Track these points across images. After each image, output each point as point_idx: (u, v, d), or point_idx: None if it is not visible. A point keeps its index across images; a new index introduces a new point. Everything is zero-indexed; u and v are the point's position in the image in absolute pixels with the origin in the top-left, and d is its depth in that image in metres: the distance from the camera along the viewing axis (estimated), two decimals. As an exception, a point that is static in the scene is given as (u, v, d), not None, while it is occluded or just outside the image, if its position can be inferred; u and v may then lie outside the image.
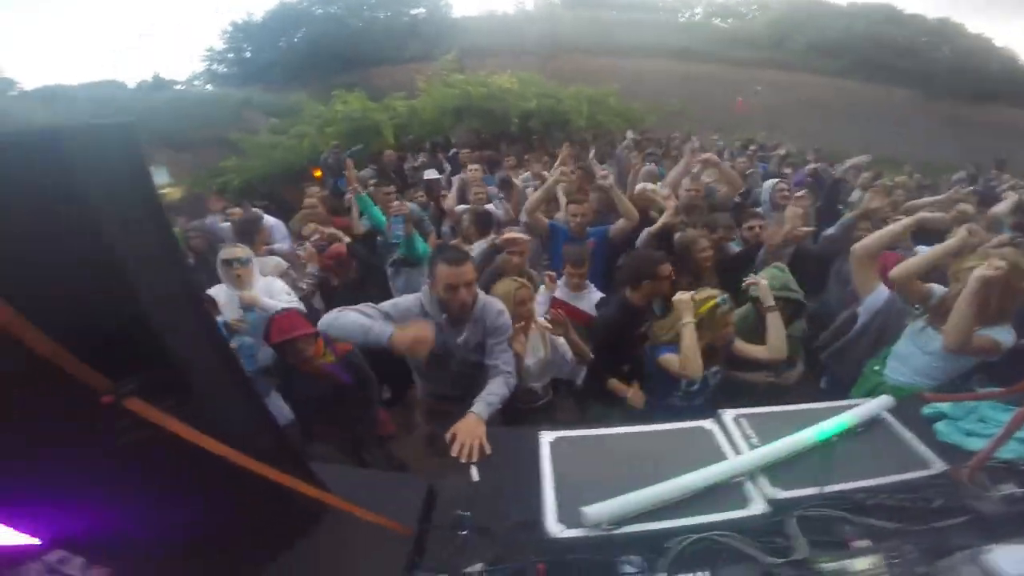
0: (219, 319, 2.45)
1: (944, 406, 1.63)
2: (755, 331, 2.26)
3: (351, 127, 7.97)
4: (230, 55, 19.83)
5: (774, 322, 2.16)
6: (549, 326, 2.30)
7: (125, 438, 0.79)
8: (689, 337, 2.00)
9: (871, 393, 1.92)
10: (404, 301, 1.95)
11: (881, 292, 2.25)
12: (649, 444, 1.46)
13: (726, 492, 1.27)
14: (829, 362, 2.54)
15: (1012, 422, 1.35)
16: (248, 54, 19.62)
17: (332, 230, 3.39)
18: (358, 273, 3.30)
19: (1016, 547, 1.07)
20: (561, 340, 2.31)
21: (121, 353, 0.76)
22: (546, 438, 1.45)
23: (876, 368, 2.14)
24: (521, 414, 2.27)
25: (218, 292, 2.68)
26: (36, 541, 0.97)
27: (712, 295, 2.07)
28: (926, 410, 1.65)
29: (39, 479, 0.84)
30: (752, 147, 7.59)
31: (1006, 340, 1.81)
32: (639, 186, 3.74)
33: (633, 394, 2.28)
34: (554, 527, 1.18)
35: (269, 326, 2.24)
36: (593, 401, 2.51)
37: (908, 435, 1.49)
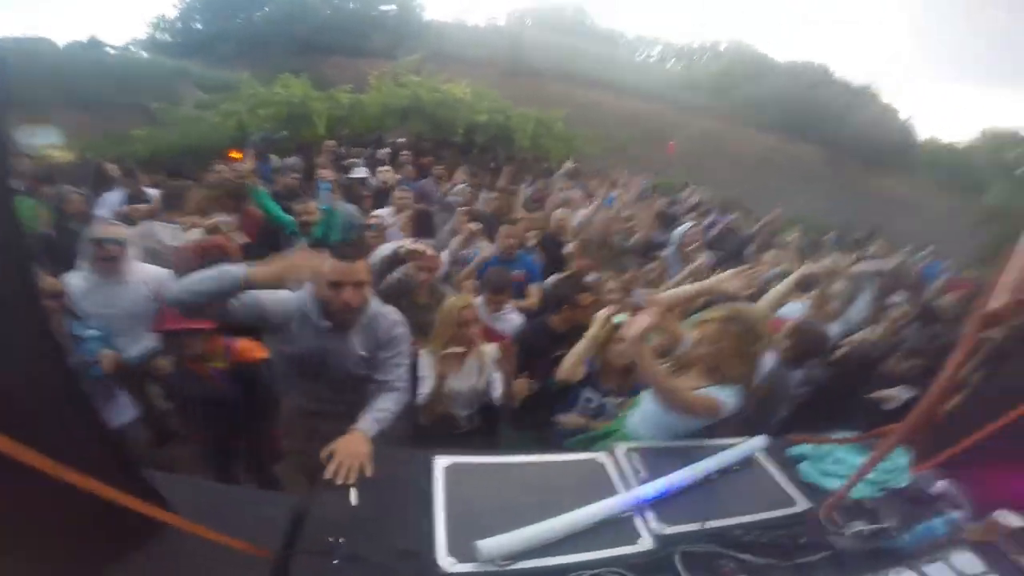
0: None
1: (806, 448, 1.78)
2: None
3: (287, 111, 7.56)
4: (178, 24, 18.78)
5: None
6: (497, 356, 2.25)
7: None
8: (579, 346, 2.09)
9: (607, 436, 1.90)
10: (283, 294, 1.67)
11: (766, 358, 2.28)
12: (544, 474, 1.46)
13: (615, 527, 1.29)
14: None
15: (864, 465, 1.49)
16: (199, 26, 18.65)
17: (214, 221, 3.03)
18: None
19: None
20: (497, 375, 2.23)
21: None
22: (440, 463, 1.39)
23: (620, 415, 2.03)
24: (434, 440, 2.17)
25: (75, 279, 2.36)
26: None
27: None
28: (791, 451, 1.78)
29: None
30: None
31: (727, 402, 1.65)
32: (556, 211, 3.85)
33: (519, 383, 2.30)
34: (444, 560, 1.12)
35: (161, 312, 2.01)
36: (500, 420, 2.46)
37: (778, 474, 1.60)
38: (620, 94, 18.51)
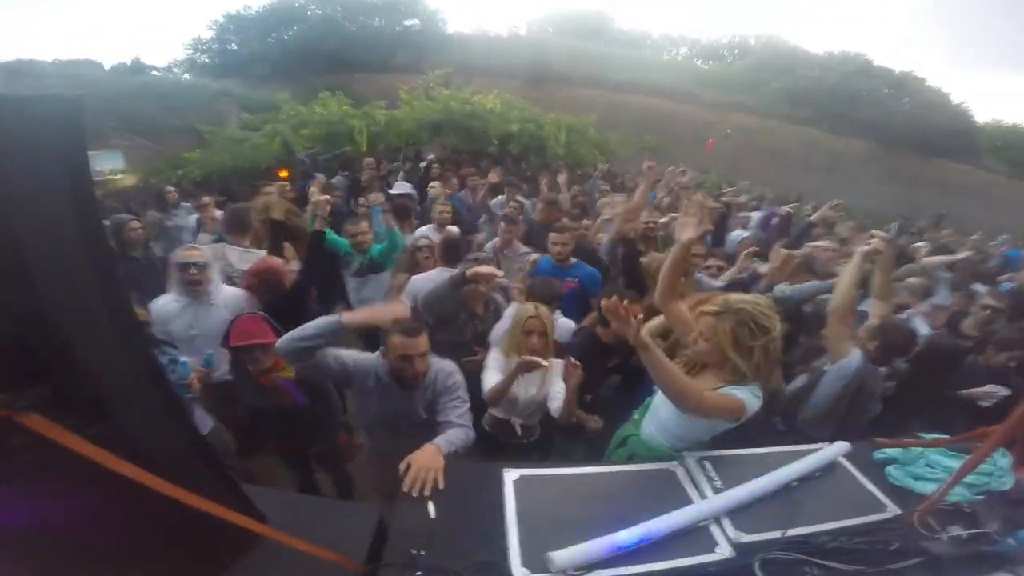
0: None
1: (894, 451, 1.69)
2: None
3: (326, 131, 7.82)
4: (215, 46, 19.62)
5: None
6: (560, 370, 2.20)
7: (19, 459, 0.68)
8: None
9: (623, 443, 1.84)
10: (363, 358, 1.98)
11: (856, 355, 2.19)
12: (614, 485, 1.44)
13: (691, 536, 1.26)
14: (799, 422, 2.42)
15: (962, 468, 1.40)
16: (234, 46, 19.43)
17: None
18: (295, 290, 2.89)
19: None
20: (559, 388, 2.18)
21: (21, 362, 0.66)
22: (510, 475, 1.39)
23: (636, 417, 1.93)
24: (492, 449, 2.24)
25: (164, 304, 2.48)
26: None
27: None
28: (877, 455, 1.69)
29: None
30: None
31: (749, 401, 1.54)
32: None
33: (593, 423, 2.26)
34: (518, 571, 1.12)
35: (230, 328, 2.10)
36: (557, 433, 2.43)
37: (863, 479, 1.53)
38: (650, 94, 18.18)
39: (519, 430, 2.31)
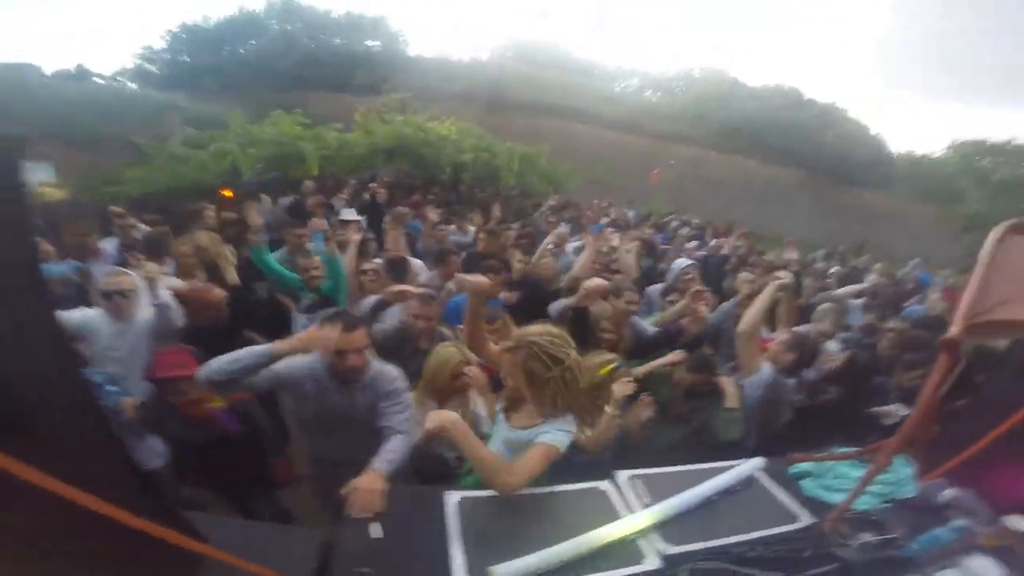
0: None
1: (807, 465, 1.84)
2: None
3: (276, 151, 7.69)
4: (166, 56, 19.08)
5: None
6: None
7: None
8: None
9: (471, 472, 1.80)
10: (295, 360, 1.92)
11: (767, 369, 2.48)
12: (550, 504, 1.51)
13: (622, 549, 1.34)
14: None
15: (864, 478, 1.55)
16: (186, 58, 18.96)
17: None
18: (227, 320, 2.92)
19: None
20: (483, 411, 2.25)
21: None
22: (452, 498, 1.45)
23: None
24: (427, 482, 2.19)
25: (90, 318, 2.44)
26: None
27: (610, 359, 2.18)
28: (792, 469, 1.84)
29: None
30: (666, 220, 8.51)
31: (559, 440, 1.54)
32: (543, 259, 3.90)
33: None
34: None
35: (153, 360, 2.08)
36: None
37: (780, 492, 1.65)
38: (600, 126, 19.05)
39: (452, 463, 2.23)
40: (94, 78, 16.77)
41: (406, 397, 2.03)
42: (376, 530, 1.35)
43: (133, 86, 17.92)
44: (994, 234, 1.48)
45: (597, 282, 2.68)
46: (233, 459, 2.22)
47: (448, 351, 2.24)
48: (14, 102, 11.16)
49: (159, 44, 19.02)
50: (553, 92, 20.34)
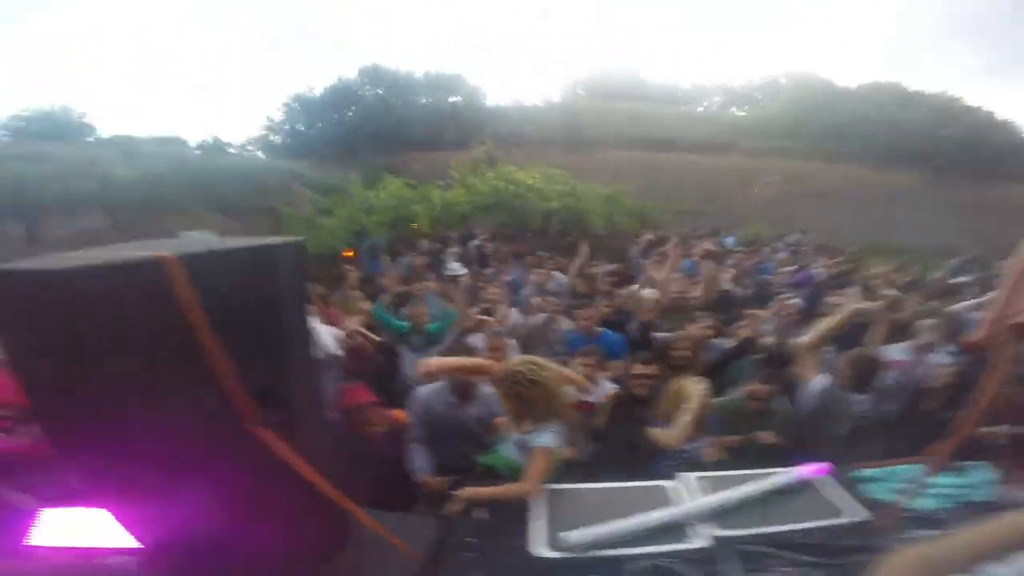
0: None
1: (872, 471, 2.00)
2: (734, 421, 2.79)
3: (394, 215, 8.77)
4: (285, 127, 21.33)
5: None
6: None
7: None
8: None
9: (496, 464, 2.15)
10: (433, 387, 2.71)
11: (820, 379, 2.71)
12: (626, 495, 1.82)
13: (679, 530, 1.63)
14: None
15: (919, 480, 1.71)
16: (301, 127, 21.05)
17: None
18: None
19: None
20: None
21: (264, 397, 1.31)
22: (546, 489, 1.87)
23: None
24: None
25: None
26: (138, 544, 1.30)
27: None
28: (855, 474, 2.00)
29: (166, 483, 1.17)
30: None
31: (550, 441, 1.93)
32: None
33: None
34: (543, 551, 1.56)
35: (340, 394, 2.71)
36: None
37: (837, 491, 1.84)
38: (687, 150, 18.52)
39: None
40: (229, 149, 19.47)
41: None
42: (481, 513, 1.82)
43: (262, 155, 20.38)
44: None
45: (646, 293, 3.12)
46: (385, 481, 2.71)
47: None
48: (170, 174, 13.08)
49: (277, 115, 21.21)
50: (631, 123, 20.16)
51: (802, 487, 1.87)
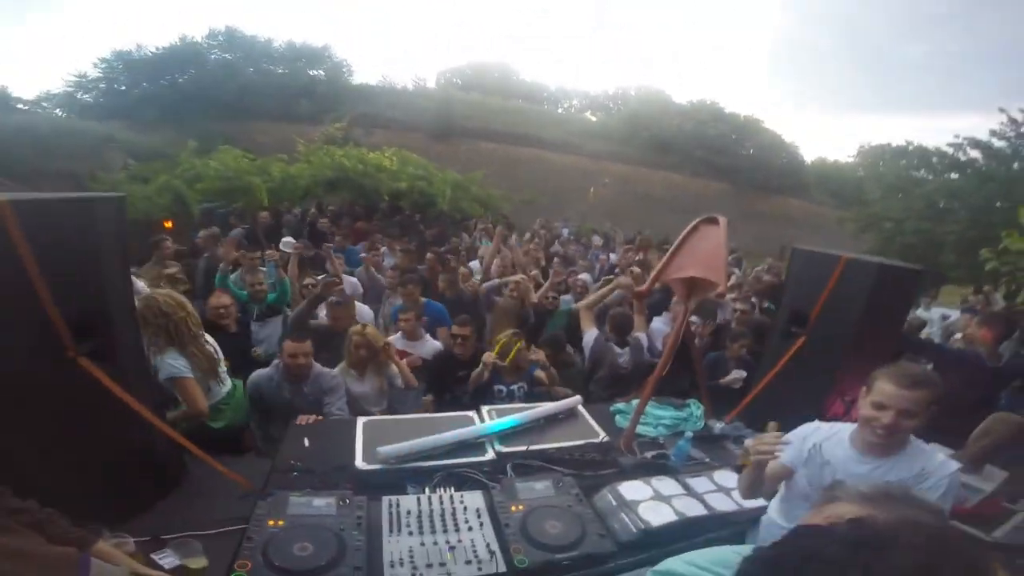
0: None
1: (622, 405, 2.60)
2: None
3: (224, 185, 8.13)
4: (101, 85, 18.45)
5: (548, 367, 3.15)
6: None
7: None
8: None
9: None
10: (260, 372, 2.75)
11: (593, 332, 3.48)
12: (435, 425, 2.16)
13: (473, 446, 2.04)
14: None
15: (637, 410, 2.32)
16: (122, 87, 18.46)
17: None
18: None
19: (632, 482, 1.87)
20: (394, 369, 2.99)
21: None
22: (360, 420, 2.17)
23: None
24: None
25: None
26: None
27: (508, 333, 2.99)
28: (612, 408, 2.61)
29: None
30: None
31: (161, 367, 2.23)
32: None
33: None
34: (360, 464, 1.86)
35: None
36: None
37: (592, 420, 2.36)
38: (543, 148, 20.13)
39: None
40: (17, 104, 16.08)
41: (343, 391, 2.74)
42: (306, 442, 2.08)
43: (59, 113, 17.40)
44: (691, 225, 2.34)
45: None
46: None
47: (368, 332, 2.95)
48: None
49: (93, 73, 18.32)
50: (497, 117, 21.23)
51: (569, 416, 2.38)
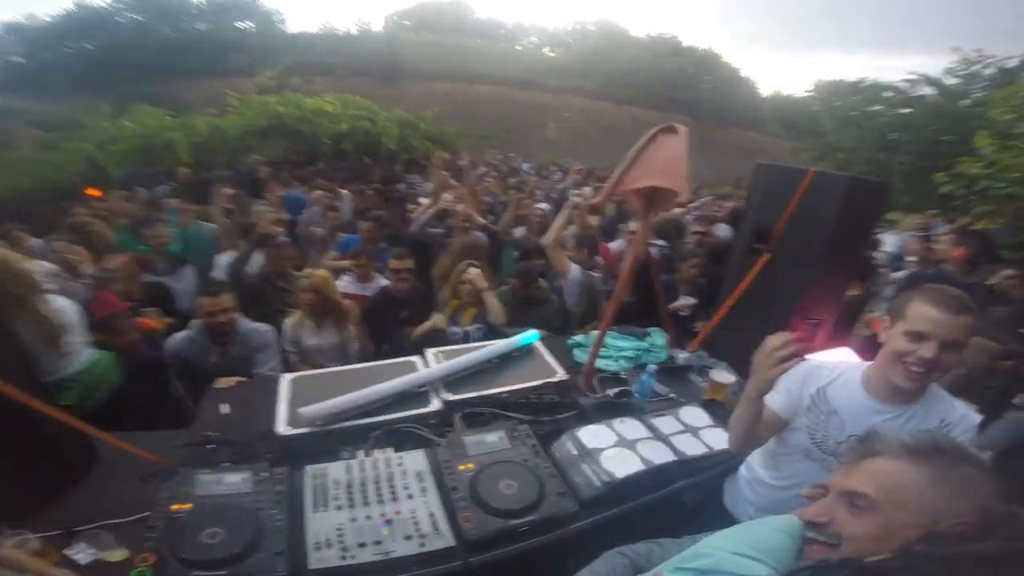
0: None
1: (579, 337, 2.36)
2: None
3: (142, 144, 7.37)
4: None
5: (491, 299, 2.81)
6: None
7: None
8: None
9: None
10: (178, 336, 2.47)
11: (574, 268, 3.18)
12: (372, 375, 1.88)
13: (416, 397, 1.79)
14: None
15: (596, 342, 2.06)
16: (21, 59, 17.26)
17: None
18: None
19: (593, 427, 1.67)
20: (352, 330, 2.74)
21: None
22: (286, 377, 1.86)
23: None
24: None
25: None
26: None
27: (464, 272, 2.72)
28: (569, 341, 2.37)
29: None
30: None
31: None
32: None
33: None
34: (283, 428, 1.60)
35: (91, 303, 2.48)
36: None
37: (549, 357, 2.13)
38: (501, 85, 19.21)
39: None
40: None
41: (276, 348, 2.50)
42: (225, 408, 1.80)
43: None
44: (647, 133, 2.05)
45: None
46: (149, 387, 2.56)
47: (317, 275, 2.66)
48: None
49: None
50: (452, 56, 20.04)
51: (524, 354, 2.13)
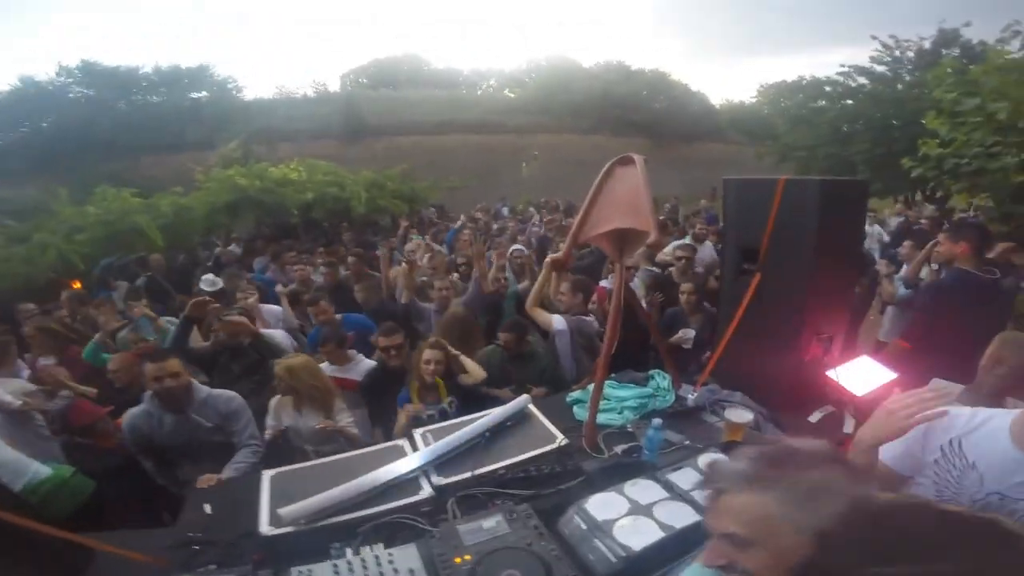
0: None
1: (577, 393, 2.17)
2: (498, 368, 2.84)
3: (107, 232, 7.12)
4: None
5: (465, 361, 2.75)
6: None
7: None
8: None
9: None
10: (133, 412, 2.35)
11: (559, 319, 3.05)
12: (358, 464, 1.71)
13: (403, 485, 1.62)
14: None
15: (594, 395, 1.84)
16: None
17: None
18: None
19: (602, 495, 1.47)
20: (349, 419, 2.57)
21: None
22: (267, 474, 1.70)
23: None
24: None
25: None
26: None
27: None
28: (568, 398, 2.16)
29: None
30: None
31: None
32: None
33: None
34: (265, 529, 1.44)
35: (68, 412, 2.55)
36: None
37: (546, 421, 1.94)
38: (464, 132, 19.56)
39: (312, 457, 2.47)
40: None
41: (246, 415, 2.39)
42: (208, 508, 1.67)
43: None
44: (604, 169, 1.94)
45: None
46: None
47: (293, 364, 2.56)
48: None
49: None
50: (414, 109, 20.46)
51: (519, 421, 1.96)
